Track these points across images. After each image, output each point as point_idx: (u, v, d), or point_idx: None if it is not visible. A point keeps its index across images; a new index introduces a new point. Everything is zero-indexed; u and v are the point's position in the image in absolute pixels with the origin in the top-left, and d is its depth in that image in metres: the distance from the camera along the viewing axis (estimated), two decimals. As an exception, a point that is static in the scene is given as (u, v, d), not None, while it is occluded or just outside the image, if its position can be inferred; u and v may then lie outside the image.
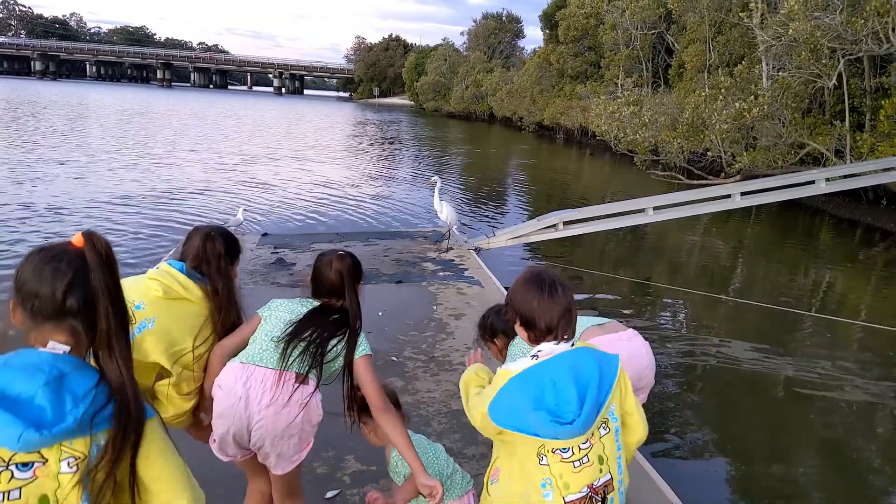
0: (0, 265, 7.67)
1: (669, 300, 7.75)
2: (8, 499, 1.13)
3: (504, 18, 64.80)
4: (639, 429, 1.91)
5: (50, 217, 10.14)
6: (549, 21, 41.01)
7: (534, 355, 1.75)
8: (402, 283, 6.40)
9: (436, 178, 8.32)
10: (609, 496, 1.71)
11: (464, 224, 11.12)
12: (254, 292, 5.92)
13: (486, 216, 12.81)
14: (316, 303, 2.22)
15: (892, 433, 4.74)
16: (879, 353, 6.33)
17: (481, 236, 8.59)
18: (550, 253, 9.28)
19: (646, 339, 5.98)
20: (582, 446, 1.69)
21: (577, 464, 1.68)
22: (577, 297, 7.72)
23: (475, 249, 8.00)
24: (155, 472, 1.29)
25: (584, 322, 2.70)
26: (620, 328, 2.65)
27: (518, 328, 1.85)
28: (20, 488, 1.14)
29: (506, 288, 6.38)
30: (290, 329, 2.11)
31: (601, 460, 1.72)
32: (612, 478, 1.74)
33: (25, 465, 1.15)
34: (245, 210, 9.06)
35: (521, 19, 65.58)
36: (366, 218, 11.59)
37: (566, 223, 7.98)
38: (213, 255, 2.22)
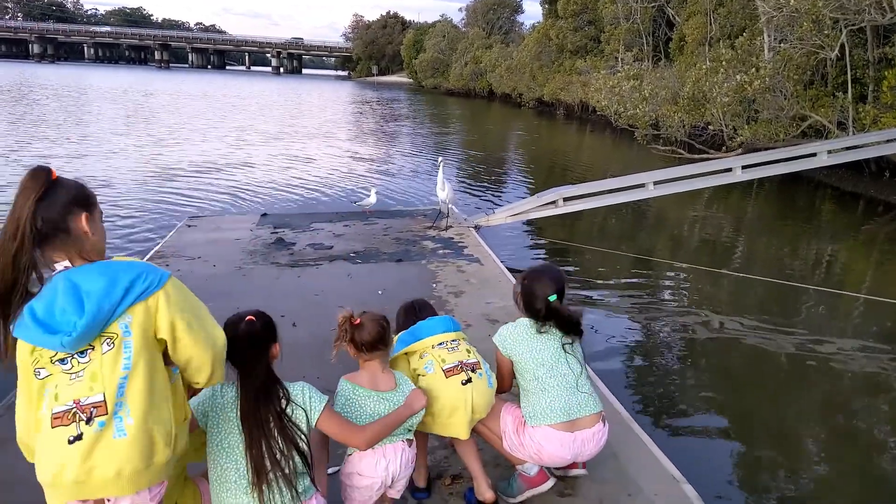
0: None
1: (671, 275, 7.74)
2: (77, 377, 1.60)
3: (503, -7, 63.95)
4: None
5: (102, 189, 10.86)
6: (548, -5, 40.48)
7: None
8: (402, 262, 6.39)
9: (441, 159, 8.30)
10: (477, 371, 2.54)
11: (463, 202, 11.08)
12: (253, 272, 5.93)
13: (486, 194, 12.75)
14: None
15: None
16: (883, 326, 6.32)
17: (481, 214, 8.56)
18: (550, 229, 9.25)
19: (647, 312, 6.00)
20: (452, 342, 2.59)
21: (450, 349, 2.57)
22: (581, 276, 7.71)
23: (474, 227, 7.98)
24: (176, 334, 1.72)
25: (549, 408, 2.54)
26: (592, 422, 2.56)
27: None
28: (82, 370, 1.60)
29: (508, 268, 6.36)
30: (251, 474, 1.94)
31: (468, 351, 2.61)
32: (478, 361, 2.59)
33: (83, 353, 1.62)
34: (378, 193, 9.03)
35: (520, -6, 64.72)
36: (365, 196, 11.52)
37: (566, 199, 7.94)
38: None
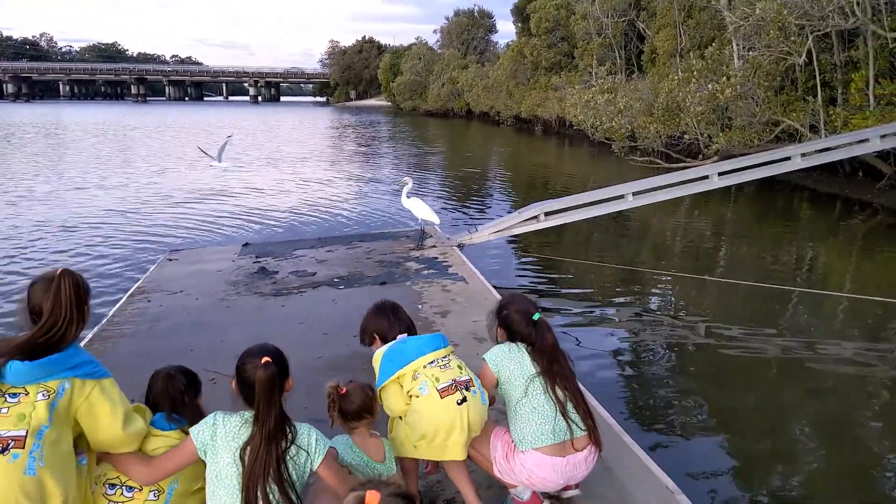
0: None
1: (656, 284, 7.78)
2: (1, 413, 1.77)
3: (476, 14, 64.82)
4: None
5: (81, 226, 11.01)
6: (520, 14, 41.08)
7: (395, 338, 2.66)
8: (387, 285, 6.36)
9: (407, 178, 8.26)
10: (471, 388, 2.50)
11: (446, 220, 11.10)
12: (237, 303, 5.87)
13: (469, 212, 12.79)
14: (250, 417, 2.07)
15: (884, 401, 4.77)
16: (866, 323, 6.39)
17: (464, 232, 8.56)
18: (534, 244, 9.28)
19: (634, 323, 6.01)
20: (442, 359, 2.55)
21: (442, 367, 2.52)
22: (567, 290, 7.73)
23: (458, 246, 7.98)
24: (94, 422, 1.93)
25: (539, 431, 2.50)
26: (582, 445, 2.53)
27: (377, 343, 2.71)
28: (7, 409, 1.79)
29: (494, 286, 6.35)
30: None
31: (459, 367, 2.55)
32: (470, 378, 2.54)
33: (14, 395, 1.82)
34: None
35: (492, 14, 65.75)
36: (348, 221, 11.53)
37: (547, 214, 7.97)
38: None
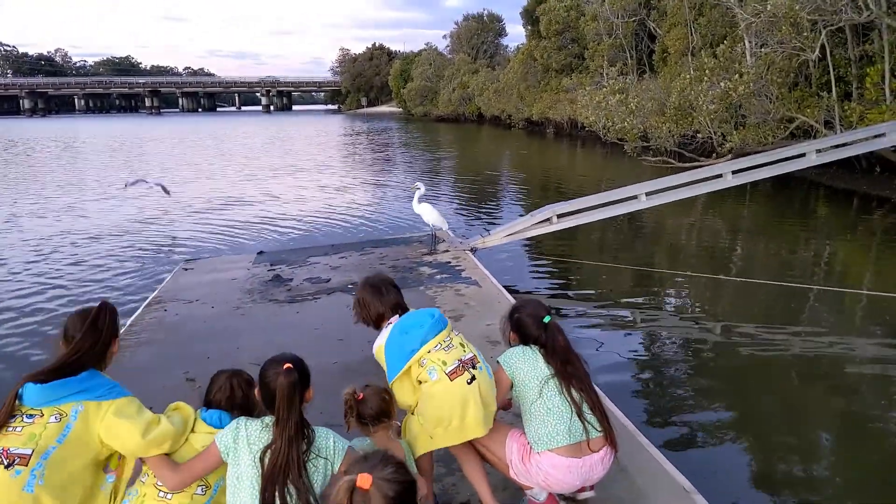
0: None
1: (671, 284, 7.72)
2: (15, 431, 1.93)
3: (485, 18, 64.87)
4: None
5: (101, 236, 11.09)
6: (530, 17, 41.03)
7: (388, 324, 2.82)
8: (400, 290, 6.35)
9: (419, 183, 8.27)
10: (477, 365, 2.56)
11: (459, 225, 11.10)
12: (252, 311, 5.90)
13: (481, 216, 12.78)
14: (270, 422, 2.12)
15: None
16: (887, 321, 6.29)
17: (476, 236, 8.56)
18: (548, 246, 9.25)
19: (650, 323, 5.97)
20: (444, 340, 2.59)
21: (446, 349, 2.57)
22: (581, 291, 7.70)
23: (471, 250, 7.97)
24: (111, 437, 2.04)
25: (555, 431, 2.48)
26: (598, 446, 2.51)
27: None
28: (22, 428, 1.94)
29: (507, 288, 6.34)
30: None
31: (462, 345, 2.62)
32: (474, 354, 2.60)
33: (31, 416, 1.97)
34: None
35: (502, 17, 65.71)
36: (361, 227, 11.56)
37: (560, 216, 7.95)
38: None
